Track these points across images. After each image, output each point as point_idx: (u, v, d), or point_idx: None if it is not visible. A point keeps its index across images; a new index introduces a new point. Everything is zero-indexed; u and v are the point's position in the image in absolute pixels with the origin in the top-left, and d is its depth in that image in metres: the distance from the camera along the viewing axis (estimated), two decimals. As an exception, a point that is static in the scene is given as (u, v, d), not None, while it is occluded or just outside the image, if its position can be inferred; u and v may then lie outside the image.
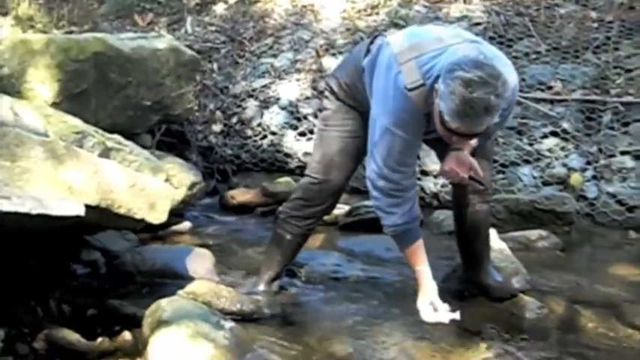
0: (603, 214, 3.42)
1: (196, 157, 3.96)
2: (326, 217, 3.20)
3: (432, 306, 2.13)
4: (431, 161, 3.71)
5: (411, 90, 2.00)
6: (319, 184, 2.35)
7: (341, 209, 3.38)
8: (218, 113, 4.28)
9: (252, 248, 3.01)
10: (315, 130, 2.73)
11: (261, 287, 2.46)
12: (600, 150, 3.63)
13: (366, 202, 3.40)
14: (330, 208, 2.45)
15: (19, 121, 1.77)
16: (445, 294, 2.48)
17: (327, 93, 2.36)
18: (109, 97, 3.14)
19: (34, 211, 1.59)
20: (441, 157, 2.28)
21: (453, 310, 2.11)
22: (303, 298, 2.51)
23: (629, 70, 3.87)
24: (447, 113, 1.86)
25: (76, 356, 1.98)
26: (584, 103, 3.82)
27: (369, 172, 2.14)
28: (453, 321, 2.10)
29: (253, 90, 4.32)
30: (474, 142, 2.13)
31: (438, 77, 1.92)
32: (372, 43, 2.22)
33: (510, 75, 2.03)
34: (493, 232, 2.68)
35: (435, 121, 1.95)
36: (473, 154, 2.22)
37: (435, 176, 3.69)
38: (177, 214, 3.25)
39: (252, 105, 4.26)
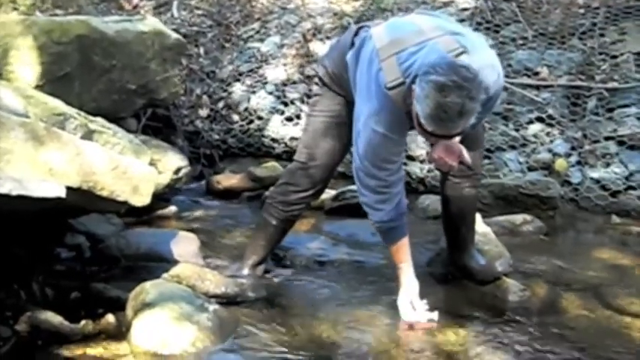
0: (587, 199, 3.45)
1: (182, 142, 3.94)
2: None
3: (412, 305, 2.16)
4: (417, 146, 3.72)
5: (390, 89, 2.00)
6: (306, 168, 2.35)
7: (327, 194, 3.37)
8: (204, 98, 4.25)
9: (237, 232, 3.01)
10: (305, 115, 2.74)
11: (246, 271, 2.46)
12: (585, 136, 3.65)
13: (352, 187, 3.39)
14: (317, 194, 2.44)
15: (-2, 101, 1.75)
16: (429, 277, 2.53)
17: (316, 79, 2.36)
18: (93, 81, 3.10)
19: (14, 192, 1.58)
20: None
21: (431, 311, 2.15)
22: (288, 281, 2.51)
23: (615, 57, 3.89)
24: (422, 116, 1.88)
25: (59, 339, 1.97)
26: (569, 89, 3.84)
27: (354, 168, 2.14)
28: (431, 321, 2.14)
29: (240, 74, 4.30)
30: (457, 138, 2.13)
31: (416, 76, 1.92)
32: (356, 35, 2.21)
33: (491, 68, 2.02)
34: (478, 217, 2.70)
35: (414, 121, 1.96)
36: (462, 140, 2.23)
37: (422, 161, 3.70)
38: (163, 198, 3.24)
39: (238, 89, 4.24)
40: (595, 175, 3.50)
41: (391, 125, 2.04)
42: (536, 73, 3.94)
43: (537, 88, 3.88)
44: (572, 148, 3.63)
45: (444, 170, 2.29)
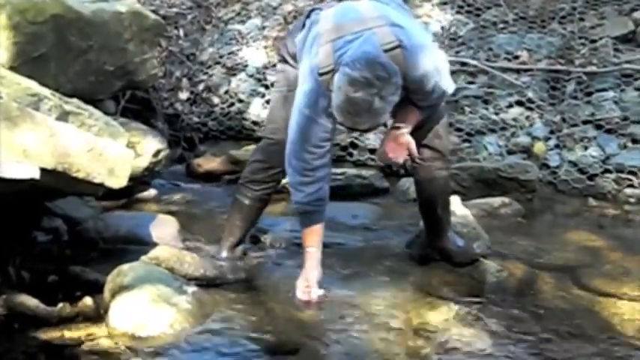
0: (565, 182, 3.49)
1: (162, 125, 3.91)
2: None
3: (308, 288, 2.19)
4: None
5: (321, 75, 2.02)
6: (272, 144, 2.36)
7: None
8: (184, 80, 4.22)
9: (218, 215, 3.00)
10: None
11: (224, 253, 2.46)
12: (563, 119, 3.69)
13: (333, 170, 3.39)
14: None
15: (-31, 81, 1.71)
16: (408, 259, 2.55)
17: (279, 57, 2.38)
18: (69, 62, 3.04)
19: (-14, 174, 1.55)
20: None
21: (325, 296, 2.19)
22: (267, 263, 2.52)
23: (594, 41, 3.92)
24: (333, 106, 1.92)
25: (35, 322, 1.96)
26: (549, 72, 3.87)
27: (288, 154, 2.17)
28: (321, 297, 2.19)
29: (220, 57, 4.26)
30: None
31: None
32: (308, 17, 2.22)
33: (429, 63, 2.06)
34: (457, 199, 2.72)
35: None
36: (421, 125, 2.25)
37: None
38: (142, 181, 3.21)
39: (218, 72, 4.21)
40: (573, 158, 3.54)
41: (319, 110, 2.06)
42: (517, 57, 3.96)
43: (517, 71, 3.90)
44: (551, 132, 3.66)
45: (394, 165, 2.33)
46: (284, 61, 2.32)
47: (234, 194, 2.49)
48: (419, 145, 2.31)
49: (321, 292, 2.19)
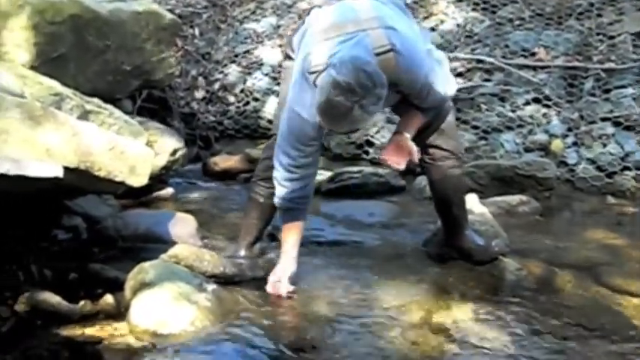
0: (583, 179, 3.46)
1: (178, 124, 3.93)
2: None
3: (278, 284, 2.20)
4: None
5: (311, 73, 2.02)
6: None
7: (323, 175, 3.38)
8: (200, 79, 4.23)
9: (235, 213, 3.01)
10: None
11: (242, 252, 2.47)
12: (581, 116, 3.66)
13: (349, 169, 3.41)
14: None
15: (-7, 81, 1.73)
16: (426, 257, 2.54)
17: (284, 54, 2.41)
18: (87, 62, 3.07)
19: (12, 172, 1.57)
20: (397, 111, 2.36)
21: (294, 292, 2.20)
22: (286, 261, 2.52)
23: (612, 37, 3.88)
24: (314, 105, 1.92)
25: (57, 318, 1.98)
26: (566, 69, 3.83)
27: (276, 149, 2.19)
28: (290, 293, 2.20)
29: (235, 56, 4.28)
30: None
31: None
32: (309, 14, 2.23)
33: (421, 68, 2.06)
34: (474, 197, 2.71)
35: None
36: (427, 127, 2.25)
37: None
38: (159, 180, 3.23)
39: (234, 71, 4.22)
40: (591, 155, 3.51)
41: (310, 109, 2.05)
42: (533, 54, 3.93)
43: (534, 68, 3.87)
44: (569, 129, 3.63)
45: (394, 169, 2.36)
46: (289, 57, 2.32)
47: (249, 193, 2.50)
48: (428, 146, 2.32)
49: (291, 288, 2.20)
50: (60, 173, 1.69)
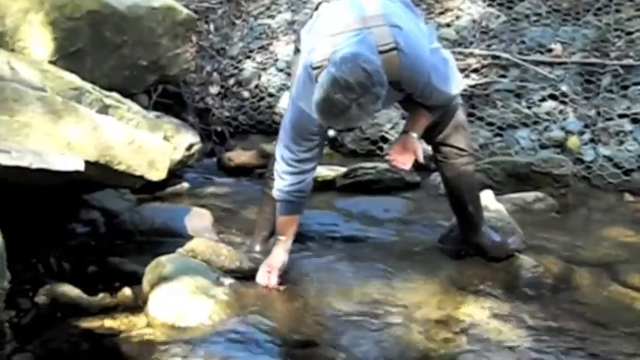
0: (599, 177, 3.43)
1: (193, 119, 3.94)
2: (323, 178, 3.25)
3: (268, 275, 2.22)
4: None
5: (314, 69, 2.01)
6: None
7: (338, 171, 3.39)
8: (215, 75, 4.24)
9: (250, 209, 3.01)
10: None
11: (257, 247, 2.48)
12: (598, 113, 3.62)
13: (364, 164, 3.41)
14: None
15: (16, 75, 1.75)
16: (442, 254, 2.54)
17: (294, 48, 2.40)
18: (104, 57, 3.09)
19: (34, 166, 1.59)
20: (406, 110, 2.37)
21: (281, 284, 2.22)
22: (302, 256, 2.52)
23: (630, 33, 3.84)
24: (313, 101, 1.91)
25: (77, 311, 2.00)
26: (583, 65, 3.80)
27: (278, 142, 2.20)
28: (280, 284, 2.23)
29: (250, 51, 4.28)
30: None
31: None
32: (316, 8, 2.22)
33: (424, 67, 2.06)
34: (490, 194, 2.70)
35: None
36: (436, 125, 2.24)
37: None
38: (175, 175, 3.25)
39: (249, 66, 4.22)
40: (608, 152, 3.48)
41: (310, 102, 2.03)
42: (550, 50, 3.90)
43: (551, 65, 3.84)
44: (586, 126, 3.60)
45: (399, 169, 2.36)
46: (299, 51, 2.32)
47: (263, 188, 2.51)
48: (439, 144, 2.32)
49: (279, 280, 2.22)
50: (81, 167, 1.71)
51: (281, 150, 2.18)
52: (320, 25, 2.11)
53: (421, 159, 2.23)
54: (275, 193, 2.24)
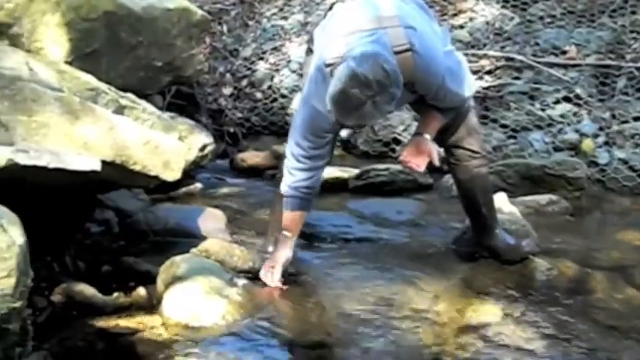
0: (614, 180, 3.40)
1: (206, 120, 3.96)
2: (336, 179, 3.25)
3: (272, 270, 2.21)
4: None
5: (328, 65, 2.01)
6: None
7: (350, 172, 3.39)
8: (228, 76, 4.26)
9: (262, 209, 3.02)
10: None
11: (271, 247, 2.48)
12: (613, 116, 3.60)
13: (376, 166, 3.41)
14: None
15: (34, 76, 1.77)
16: (455, 256, 2.53)
17: (306, 49, 2.40)
18: (120, 58, 3.11)
19: (52, 165, 1.60)
20: (418, 112, 2.38)
21: (285, 283, 2.21)
22: (314, 257, 2.53)
23: (646, 35, 3.82)
24: (328, 93, 1.91)
25: (92, 310, 2.02)
26: (598, 68, 3.77)
27: (289, 139, 2.20)
28: (282, 280, 2.22)
29: (263, 52, 4.29)
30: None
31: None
32: (330, 8, 2.22)
33: (438, 69, 2.06)
34: (504, 196, 2.69)
35: None
36: (448, 127, 2.24)
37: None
38: (188, 175, 3.26)
39: (262, 68, 4.24)
40: (623, 155, 3.45)
41: (322, 100, 2.03)
42: (564, 52, 3.88)
43: (565, 67, 3.82)
44: (600, 129, 3.58)
45: (414, 171, 2.36)
46: (311, 51, 2.33)
47: (275, 188, 2.51)
48: (452, 147, 2.31)
49: (282, 279, 2.21)
50: (98, 167, 1.72)
51: (291, 147, 2.18)
52: (334, 25, 2.11)
53: (436, 161, 2.23)
54: (283, 189, 2.24)
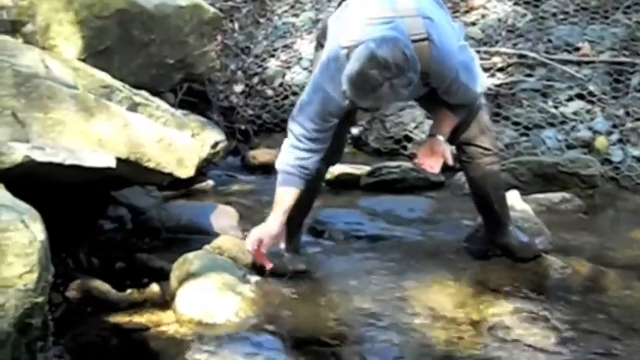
0: (628, 177, 3.38)
1: (218, 117, 3.97)
2: (349, 175, 3.25)
3: (258, 240, 2.16)
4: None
5: (344, 48, 2.00)
6: None
7: (362, 169, 3.39)
8: (239, 73, 4.27)
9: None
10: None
11: (282, 245, 2.48)
12: (627, 113, 3.57)
13: (388, 163, 3.41)
14: (331, 157, 2.38)
15: (49, 73, 1.78)
16: (468, 254, 2.52)
17: (316, 43, 2.39)
18: (132, 55, 3.13)
19: (68, 162, 1.61)
20: (424, 105, 2.41)
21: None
22: (326, 254, 2.53)
23: (661, 31, 3.78)
24: (345, 74, 1.90)
25: (106, 306, 2.03)
26: (612, 64, 3.75)
27: (291, 117, 2.18)
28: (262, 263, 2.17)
29: (274, 50, 4.30)
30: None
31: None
32: (343, 0, 2.22)
33: (453, 61, 2.05)
34: (516, 194, 2.68)
35: None
36: (460, 125, 2.25)
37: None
38: (200, 172, 3.27)
39: (273, 65, 4.24)
40: (637, 153, 3.44)
41: (337, 85, 2.02)
42: (577, 49, 3.85)
43: (578, 64, 3.79)
44: (614, 126, 3.55)
45: (430, 174, 2.36)
46: (321, 46, 2.31)
47: None
48: (464, 144, 2.30)
49: (268, 265, 2.17)
50: (113, 164, 1.73)
51: (293, 125, 2.15)
52: (351, 13, 2.10)
53: (450, 162, 2.23)
54: (277, 165, 2.20)
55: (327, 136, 2.15)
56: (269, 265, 2.18)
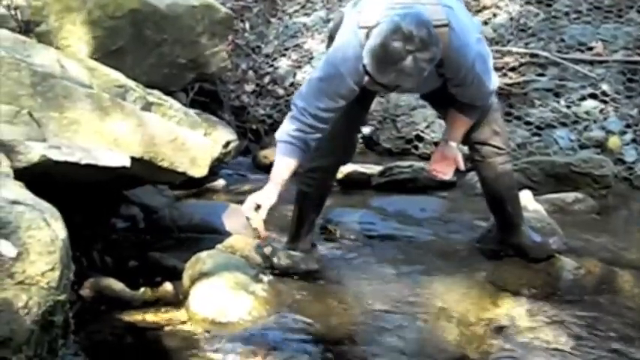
0: (641, 178, 3.36)
1: (229, 117, 3.98)
2: (360, 174, 3.25)
3: (255, 206, 2.12)
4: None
5: (362, 28, 1.98)
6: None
7: (373, 169, 3.38)
8: (250, 73, 4.28)
9: (285, 206, 3.00)
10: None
11: (301, 245, 2.48)
12: (641, 113, 3.55)
13: (399, 163, 3.41)
14: (342, 156, 2.40)
15: (65, 73, 1.79)
16: (481, 254, 2.51)
17: (327, 40, 2.36)
18: (144, 55, 3.15)
19: (83, 161, 1.62)
20: (437, 107, 2.42)
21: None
22: (338, 255, 2.53)
23: (675, 31, 3.75)
24: (367, 47, 1.88)
25: (119, 304, 2.05)
26: (625, 64, 3.72)
27: (298, 92, 2.15)
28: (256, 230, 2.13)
29: (285, 49, 4.30)
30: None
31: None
32: None
33: (470, 51, 2.04)
34: (529, 194, 2.66)
35: None
36: (472, 125, 2.24)
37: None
38: (211, 172, 3.28)
39: (284, 64, 4.25)
40: (651, 153, 3.41)
41: (350, 66, 2.00)
42: (590, 48, 3.82)
43: (591, 63, 3.77)
44: (627, 126, 3.53)
45: (444, 180, 2.35)
46: (331, 39, 2.29)
47: (297, 185, 2.50)
48: (476, 143, 2.30)
49: (264, 233, 2.13)
50: (127, 163, 1.74)
51: (298, 100, 2.11)
52: (370, 1, 2.06)
53: (462, 167, 2.22)
54: (277, 134, 2.17)
55: (329, 117, 2.11)
56: (264, 234, 2.13)
